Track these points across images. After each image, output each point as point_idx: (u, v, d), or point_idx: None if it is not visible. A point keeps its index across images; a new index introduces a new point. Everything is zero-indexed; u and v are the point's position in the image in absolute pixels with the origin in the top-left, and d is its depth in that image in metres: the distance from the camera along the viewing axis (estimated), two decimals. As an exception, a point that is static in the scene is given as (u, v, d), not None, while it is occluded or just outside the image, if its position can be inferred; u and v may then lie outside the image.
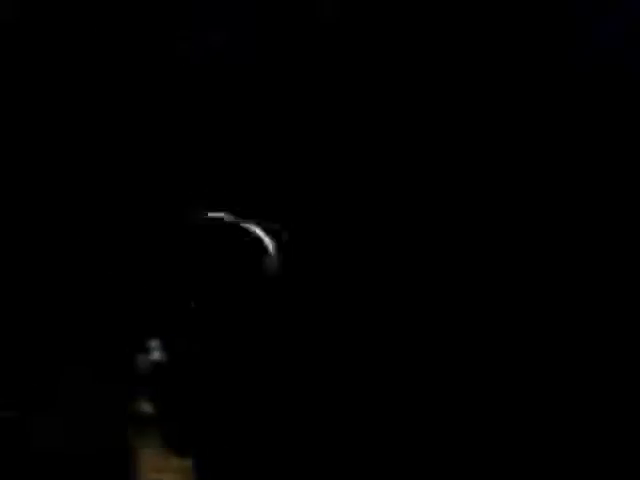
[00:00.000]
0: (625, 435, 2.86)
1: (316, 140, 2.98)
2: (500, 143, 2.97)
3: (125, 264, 2.94)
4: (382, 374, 2.92)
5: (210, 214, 2.84)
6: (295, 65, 2.98)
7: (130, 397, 2.92)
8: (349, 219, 2.97)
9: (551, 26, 2.93)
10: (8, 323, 2.95)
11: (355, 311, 2.93)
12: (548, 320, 2.93)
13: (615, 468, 2.85)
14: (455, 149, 2.97)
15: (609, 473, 2.85)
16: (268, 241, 2.83)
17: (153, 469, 2.86)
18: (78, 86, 3.04)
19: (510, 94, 2.96)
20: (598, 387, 2.89)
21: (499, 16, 2.95)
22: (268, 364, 2.86)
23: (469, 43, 2.96)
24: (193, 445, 2.86)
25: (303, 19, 2.98)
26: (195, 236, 2.87)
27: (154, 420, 2.91)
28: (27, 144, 3.05)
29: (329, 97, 2.99)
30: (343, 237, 2.97)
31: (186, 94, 3.04)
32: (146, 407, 2.92)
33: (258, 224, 2.88)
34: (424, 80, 2.98)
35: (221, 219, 2.87)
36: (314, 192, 2.97)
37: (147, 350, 2.92)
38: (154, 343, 2.92)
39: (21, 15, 3.01)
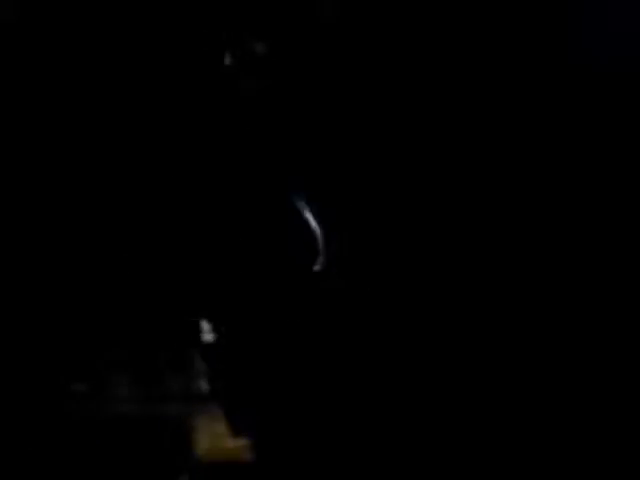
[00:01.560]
0: (625, 435, 2.86)
1: (315, 140, 2.98)
2: (500, 143, 2.97)
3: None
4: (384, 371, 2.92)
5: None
6: (294, 64, 2.99)
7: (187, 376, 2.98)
8: (346, 223, 2.97)
9: (551, 24, 2.93)
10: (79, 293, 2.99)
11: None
12: (548, 320, 2.93)
13: (615, 468, 2.85)
14: (455, 149, 2.97)
15: (609, 473, 2.85)
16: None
17: (210, 449, 2.90)
18: (79, 86, 3.04)
19: (511, 93, 2.96)
20: (598, 387, 2.89)
21: (499, 15, 2.95)
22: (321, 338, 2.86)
23: (469, 42, 2.96)
24: (249, 424, 2.88)
25: (303, 19, 2.98)
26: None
27: (212, 399, 2.95)
28: (27, 144, 3.05)
29: (329, 97, 2.99)
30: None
31: (185, 93, 3.04)
32: (204, 387, 2.98)
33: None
34: (425, 79, 2.98)
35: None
36: (312, 191, 2.97)
37: (200, 330, 2.96)
38: (206, 324, 2.96)
39: (21, 15, 3.01)
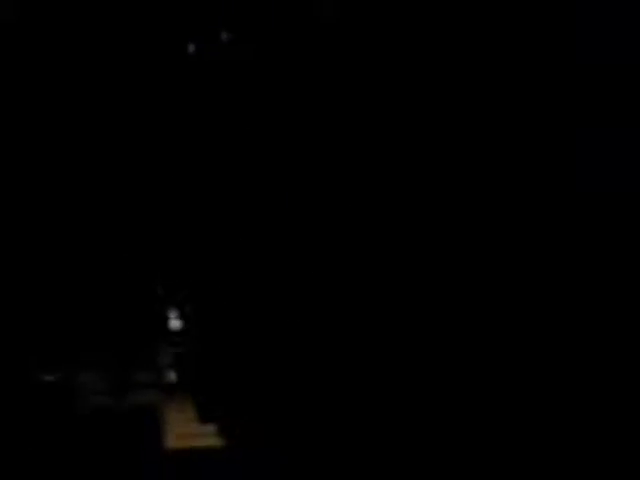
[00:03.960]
0: (625, 435, 2.88)
1: (315, 139, 2.99)
2: (501, 140, 2.98)
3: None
4: (382, 372, 2.93)
5: None
6: (295, 64, 3.00)
7: (158, 365, 3.04)
8: (347, 216, 2.98)
9: (554, 25, 2.94)
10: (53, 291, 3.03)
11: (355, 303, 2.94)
12: (547, 320, 2.94)
13: (615, 468, 2.86)
14: (455, 148, 2.99)
15: (609, 473, 2.86)
16: None
17: (180, 436, 2.97)
18: (78, 85, 3.04)
19: (510, 93, 2.97)
20: (598, 387, 2.90)
21: (498, 15, 2.97)
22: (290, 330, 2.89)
23: (469, 42, 2.97)
24: (218, 412, 2.94)
25: (303, 19, 2.99)
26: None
27: (180, 387, 3.02)
28: (27, 142, 3.05)
29: (328, 96, 3.00)
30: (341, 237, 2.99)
31: (186, 93, 3.04)
32: (172, 375, 3.04)
33: None
34: (425, 79, 2.99)
35: None
36: (314, 188, 2.99)
37: (168, 319, 3.03)
38: (174, 313, 3.02)
39: (21, 15, 3.01)
